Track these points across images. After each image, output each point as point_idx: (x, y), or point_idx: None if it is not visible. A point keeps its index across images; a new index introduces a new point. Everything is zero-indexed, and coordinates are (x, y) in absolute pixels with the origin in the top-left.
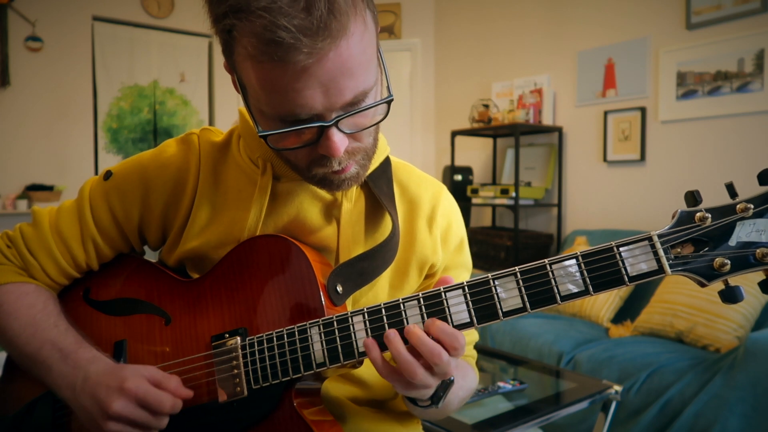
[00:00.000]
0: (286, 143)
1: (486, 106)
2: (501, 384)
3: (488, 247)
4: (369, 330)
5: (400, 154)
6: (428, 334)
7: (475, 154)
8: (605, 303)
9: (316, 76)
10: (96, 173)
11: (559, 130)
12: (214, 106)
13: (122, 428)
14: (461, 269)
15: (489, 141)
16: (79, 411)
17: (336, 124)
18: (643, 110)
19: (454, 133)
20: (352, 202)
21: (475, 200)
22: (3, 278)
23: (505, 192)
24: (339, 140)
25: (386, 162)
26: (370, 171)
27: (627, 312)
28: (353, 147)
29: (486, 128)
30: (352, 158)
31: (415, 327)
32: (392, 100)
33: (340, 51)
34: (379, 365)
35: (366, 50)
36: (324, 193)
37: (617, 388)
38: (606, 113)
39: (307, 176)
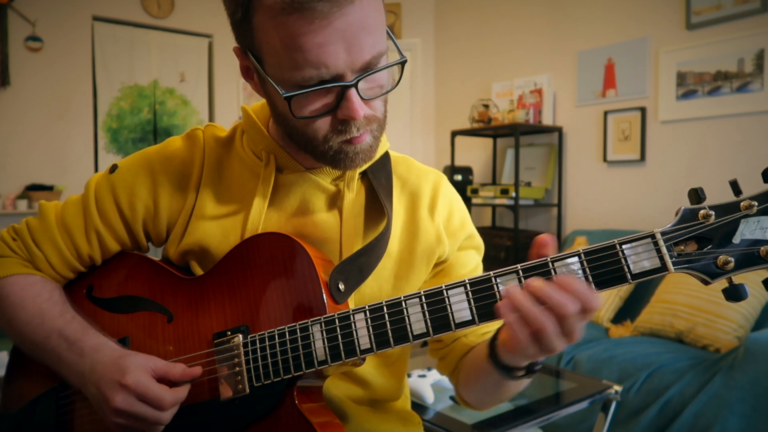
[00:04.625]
0: (306, 110)
1: (486, 106)
2: None
3: (488, 247)
4: (371, 328)
5: (400, 153)
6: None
7: (475, 154)
8: (605, 303)
9: (339, 29)
10: (96, 173)
11: (559, 130)
12: (214, 106)
13: (126, 422)
14: (471, 250)
15: (489, 141)
16: (90, 399)
17: (356, 85)
18: (643, 110)
19: (454, 133)
20: (354, 193)
21: (475, 200)
22: (9, 270)
23: (505, 192)
24: (358, 102)
25: (386, 156)
26: (371, 162)
27: (627, 312)
28: (369, 114)
29: (486, 128)
30: (368, 126)
31: (536, 280)
32: (406, 61)
33: (361, 5)
34: (512, 320)
35: (380, 11)
36: (327, 184)
37: (617, 388)
38: (606, 113)
39: (322, 150)
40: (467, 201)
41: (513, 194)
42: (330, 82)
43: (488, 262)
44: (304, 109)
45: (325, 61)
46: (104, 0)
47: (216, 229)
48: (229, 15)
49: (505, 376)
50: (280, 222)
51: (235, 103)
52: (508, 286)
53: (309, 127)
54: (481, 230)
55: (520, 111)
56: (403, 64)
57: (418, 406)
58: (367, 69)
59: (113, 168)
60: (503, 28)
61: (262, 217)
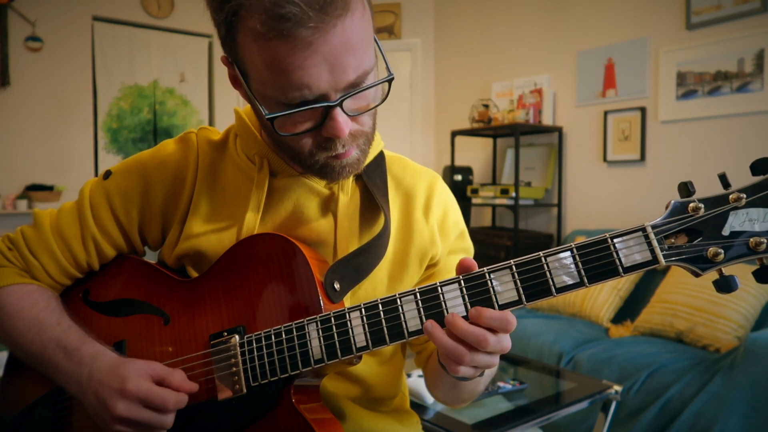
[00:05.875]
0: (291, 128)
1: (486, 106)
2: (501, 384)
3: (488, 247)
4: (366, 326)
5: (399, 154)
6: (477, 324)
7: (475, 154)
8: (605, 303)
9: (321, 53)
10: (96, 173)
11: (559, 130)
12: (214, 106)
13: (129, 429)
14: (462, 254)
15: (489, 141)
16: (88, 408)
17: (340, 105)
18: (643, 110)
19: (454, 133)
20: (348, 195)
21: (475, 200)
22: (5, 280)
23: (505, 192)
24: (343, 121)
25: (380, 156)
26: (365, 163)
27: (627, 312)
28: (355, 130)
29: (486, 128)
30: (354, 141)
31: (454, 317)
32: (393, 78)
33: (344, 27)
34: (443, 345)
35: (366, 30)
36: (321, 188)
37: (617, 388)
38: (606, 113)
39: (309, 164)
40: (467, 201)
41: (513, 194)
42: (314, 103)
43: (488, 262)
44: (288, 127)
45: (308, 83)
46: (104, 0)
47: (211, 233)
48: (215, 26)
49: (457, 379)
50: (274, 227)
51: (235, 103)
52: (427, 323)
53: (295, 142)
54: (481, 230)
55: (520, 111)
56: (390, 81)
57: (418, 406)
58: (352, 88)
59: (107, 174)
60: (503, 28)
61: (257, 221)
